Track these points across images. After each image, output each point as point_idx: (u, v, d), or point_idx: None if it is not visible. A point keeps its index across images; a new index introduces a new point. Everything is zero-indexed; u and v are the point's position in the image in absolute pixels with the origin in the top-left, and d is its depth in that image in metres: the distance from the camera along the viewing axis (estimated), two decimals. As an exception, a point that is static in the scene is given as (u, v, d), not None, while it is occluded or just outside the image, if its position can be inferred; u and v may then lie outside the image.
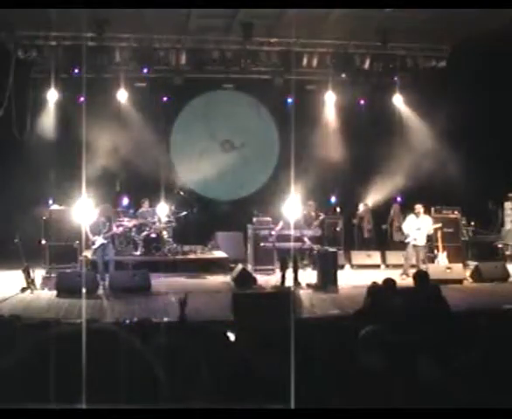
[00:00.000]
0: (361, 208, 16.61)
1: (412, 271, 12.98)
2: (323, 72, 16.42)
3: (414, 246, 13.57)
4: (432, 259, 14.23)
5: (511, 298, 10.84)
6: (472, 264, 14.23)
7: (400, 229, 14.72)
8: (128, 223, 14.52)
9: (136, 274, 12.15)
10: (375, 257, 15.49)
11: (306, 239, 12.54)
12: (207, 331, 5.25)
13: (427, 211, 14.60)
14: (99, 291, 11.71)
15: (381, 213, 16.70)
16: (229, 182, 16.21)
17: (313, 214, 13.66)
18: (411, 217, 13.87)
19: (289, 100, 16.79)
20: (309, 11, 12.36)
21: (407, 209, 14.79)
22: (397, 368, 3.87)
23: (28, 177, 14.40)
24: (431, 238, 14.40)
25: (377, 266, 15.26)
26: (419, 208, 13.74)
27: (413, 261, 13.57)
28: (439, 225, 14.04)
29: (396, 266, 14.29)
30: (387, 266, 15.14)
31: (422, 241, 13.58)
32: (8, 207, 14.04)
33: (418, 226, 13.59)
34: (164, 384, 2.83)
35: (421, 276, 7.99)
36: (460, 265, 13.42)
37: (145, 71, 15.43)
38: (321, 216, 13.26)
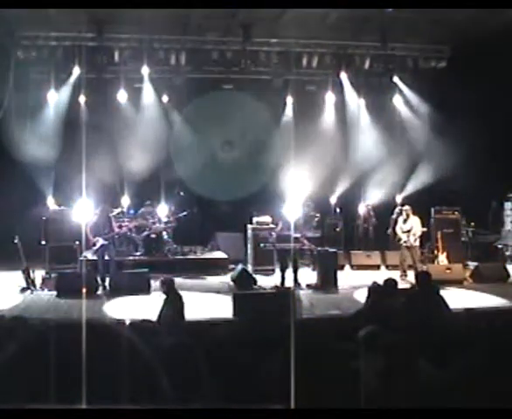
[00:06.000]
0: (361, 208, 16.58)
1: (410, 271, 13.04)
2: (323, 73, 16.41)
3: (407, 248, 13.57)
4: (432, 260, 14.22)
5: (511, 299, 10.83)
6: (472, 264, 14.22)
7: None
8: (128, 223, 14.51)
9: (136, 275, 12.15)
10: (375, 257, 15.46)
11: (305, 240, 12.53)
12: (207, 331, 5.25)
13: (427, 212, 14.60)
14: (99, 291, 11.70)
15: (381, 214, 16.66)
16: (229, 182, 16.17)
17: (311, 214, 13.58)
18: (400, 220, 13.88)
19: (289, 101, 16.79)
20: (309, 11, 12.36)
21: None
22: (397, 369, 3.86)
23: (28, 177, 14.39)
24: (430, 239, 14.39)
25: (377, 267, 15.24)
26: (408, 210, 13.74)
27: (409, 262, 13.56)
28: (425, 229, 14.02)
29: (396, 267, 14.26)
30: (387, 267, 15.10)
31: (414, 242, 13.55)
32: (8, 207, 14.02)
33: (407, 228, 13.59)
34: (165, 384, 2.82)
35: (423, 276, 7.99)
36: (459, 266, 13.39)
37: (145, 71, 15.40)
38: (317, 217, 13.12)
